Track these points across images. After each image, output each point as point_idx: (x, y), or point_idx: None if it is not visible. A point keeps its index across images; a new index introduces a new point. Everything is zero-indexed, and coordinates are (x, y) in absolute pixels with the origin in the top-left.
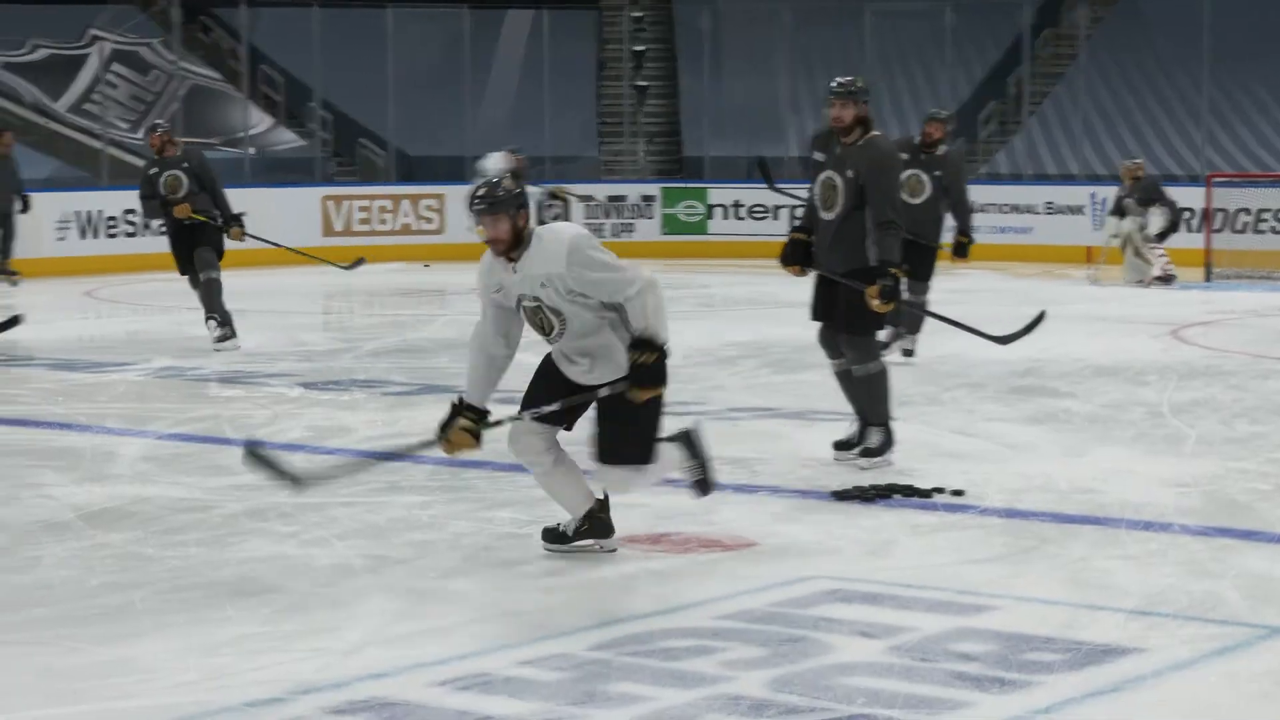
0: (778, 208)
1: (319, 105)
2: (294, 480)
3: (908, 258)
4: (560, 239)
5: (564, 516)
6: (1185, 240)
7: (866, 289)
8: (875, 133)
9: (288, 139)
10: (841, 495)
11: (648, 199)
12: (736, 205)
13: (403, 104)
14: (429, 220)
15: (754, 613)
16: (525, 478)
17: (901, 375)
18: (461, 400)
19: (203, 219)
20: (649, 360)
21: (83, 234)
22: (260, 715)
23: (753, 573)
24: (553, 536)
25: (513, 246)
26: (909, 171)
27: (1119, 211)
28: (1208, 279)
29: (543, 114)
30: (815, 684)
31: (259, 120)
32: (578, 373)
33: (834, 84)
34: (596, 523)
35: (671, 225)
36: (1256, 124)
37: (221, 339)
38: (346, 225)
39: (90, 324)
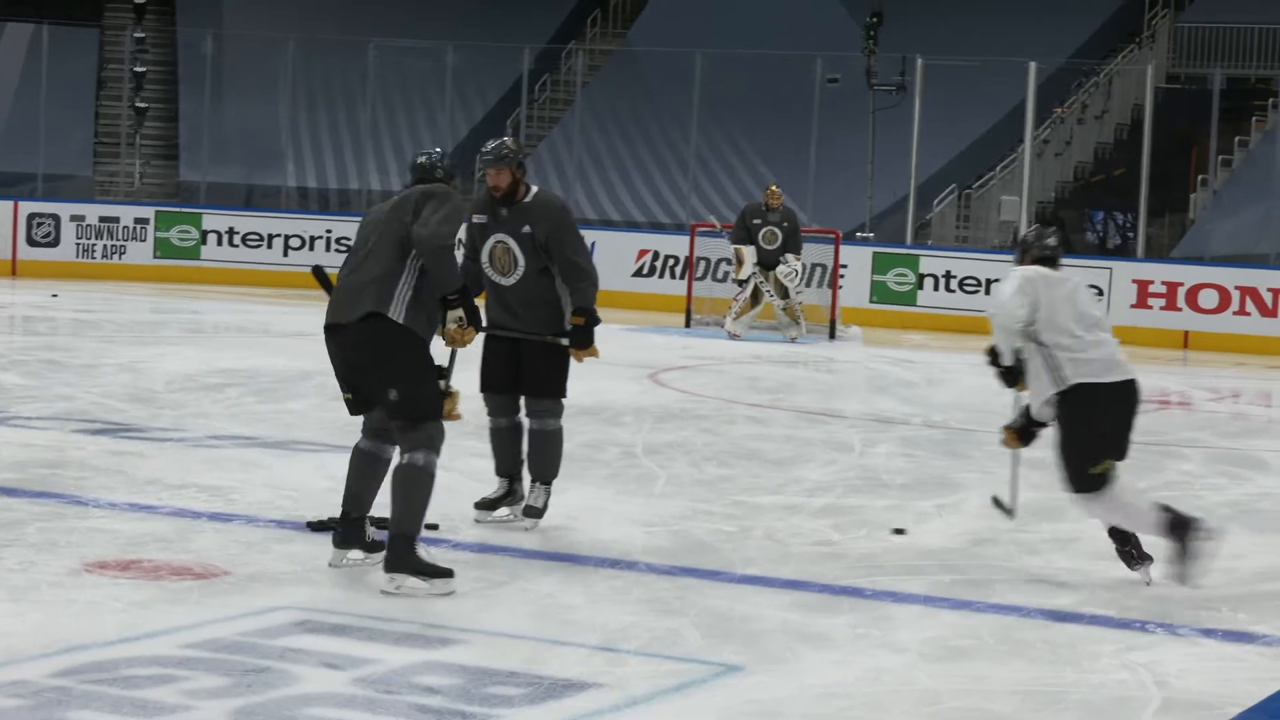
0: (272, 236)
1: None
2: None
3: None
4: None
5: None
6: (668, 286)
7: (573, 350)
8: (537, 188)
9: None
10: (316, 526)
11: (141, 222)
12: (231, 232)
13: None
14: None
15: (220, 642)
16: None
17: None
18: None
19: None
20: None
21: None
22: None
23: (223, 602)
24: None
25: None
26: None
27: (751, 234)
28: (688, 325)
29: (38, 131)
30: (277, 714)
31: None
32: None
33: (484, 151)
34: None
35: (164, 249)
36: (740, 176)
37: None
38: None
39: None
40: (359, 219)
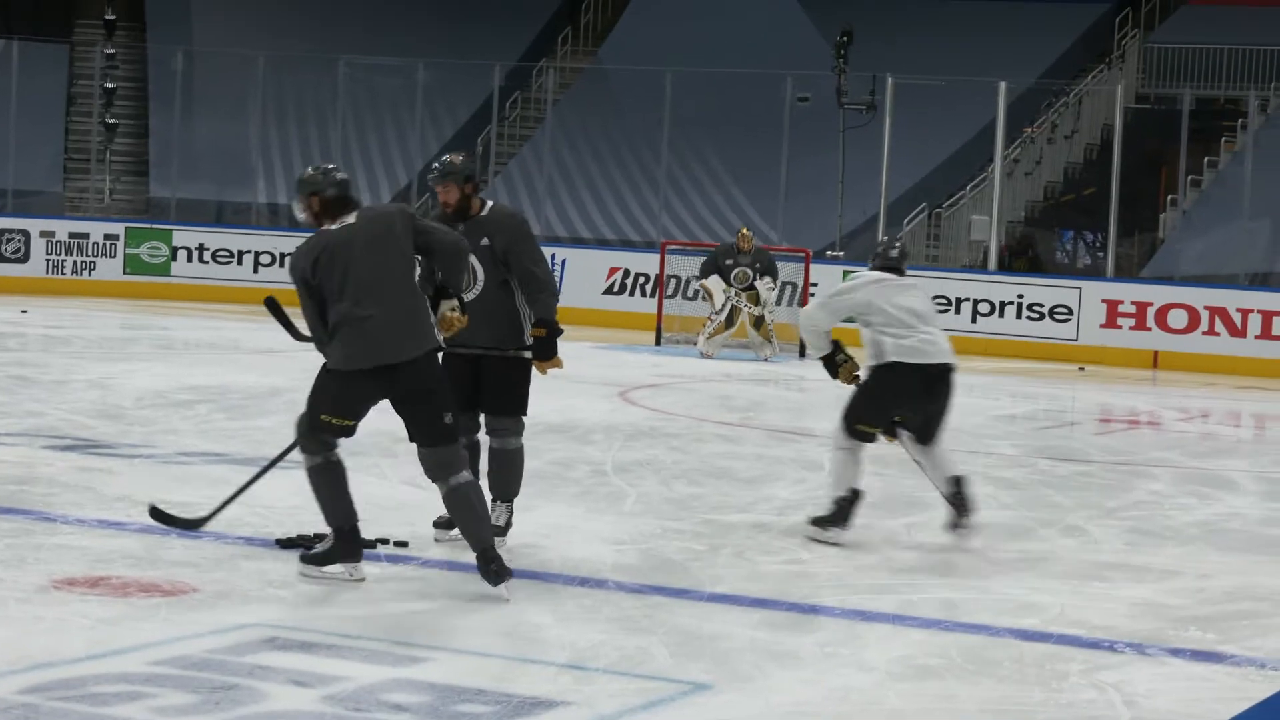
0: (242, 253)
1: None
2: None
3: None
4: None
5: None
6: (638, 304)
7: (536, 363)
8: (492, 202)
9: None
10: (285, 543)
11: (111, 238)
12: (201, 248)
13: None
14: None
15: (189, 659)
16: None
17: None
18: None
19: None
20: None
21: None
22: None
23: (191, 619)
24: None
25: None
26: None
27: (723, 274)
28: (658, 343)
29: (8, 147)
30: None
31: None
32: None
33: (432, 168)
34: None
35: (134, 266)
36: (709, 194)
37: None
38: None
39: None
40: None
